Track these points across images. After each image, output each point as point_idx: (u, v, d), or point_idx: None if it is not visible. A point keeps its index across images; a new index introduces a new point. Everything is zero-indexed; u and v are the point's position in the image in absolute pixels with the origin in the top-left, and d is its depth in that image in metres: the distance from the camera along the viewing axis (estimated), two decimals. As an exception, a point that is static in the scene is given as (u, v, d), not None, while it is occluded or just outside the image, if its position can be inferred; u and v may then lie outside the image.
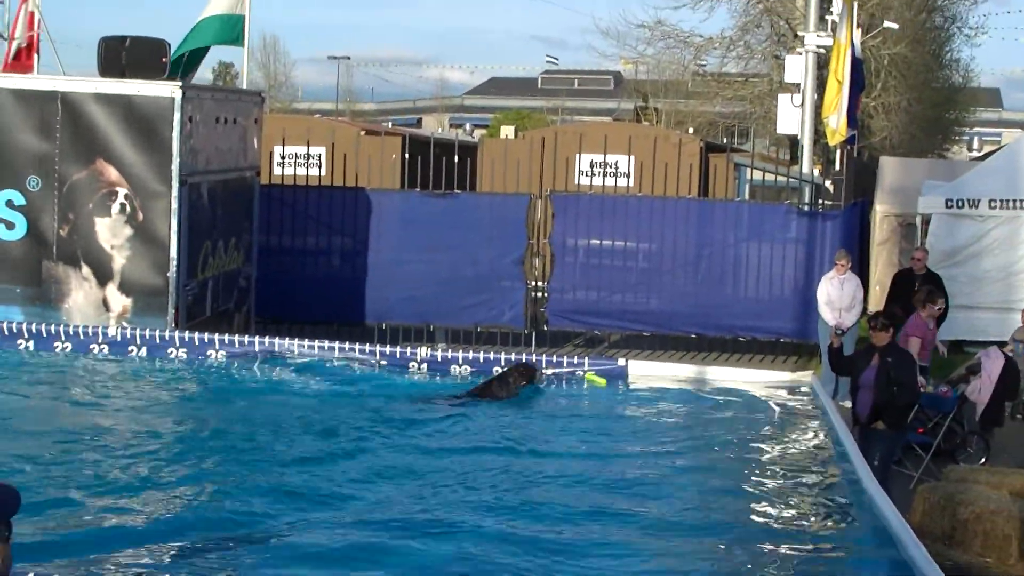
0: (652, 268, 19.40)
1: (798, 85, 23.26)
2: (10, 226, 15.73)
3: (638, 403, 13.88)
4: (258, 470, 10.68)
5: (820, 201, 20.43)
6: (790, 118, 23.35)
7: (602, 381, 14.32)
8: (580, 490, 10.34)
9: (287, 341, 15.15)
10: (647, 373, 14.96)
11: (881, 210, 23.03)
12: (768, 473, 11.21)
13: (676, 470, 11.22)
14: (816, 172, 23.42)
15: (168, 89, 15.53)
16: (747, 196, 24.16)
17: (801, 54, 23.41)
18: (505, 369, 14.24)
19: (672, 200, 19.62)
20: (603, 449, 11.86)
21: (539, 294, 19.80)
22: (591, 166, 23.20)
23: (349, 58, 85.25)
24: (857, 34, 21.79)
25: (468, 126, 61.76)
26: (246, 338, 15.30)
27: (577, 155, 22.25)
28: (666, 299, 19.32)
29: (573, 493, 10.23)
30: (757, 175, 23.33)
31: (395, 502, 9.82)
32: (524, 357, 15.05)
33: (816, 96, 22.96)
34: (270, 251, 19.12)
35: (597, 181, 22.07)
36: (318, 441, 11.72)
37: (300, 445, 11.55)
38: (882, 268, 22.38)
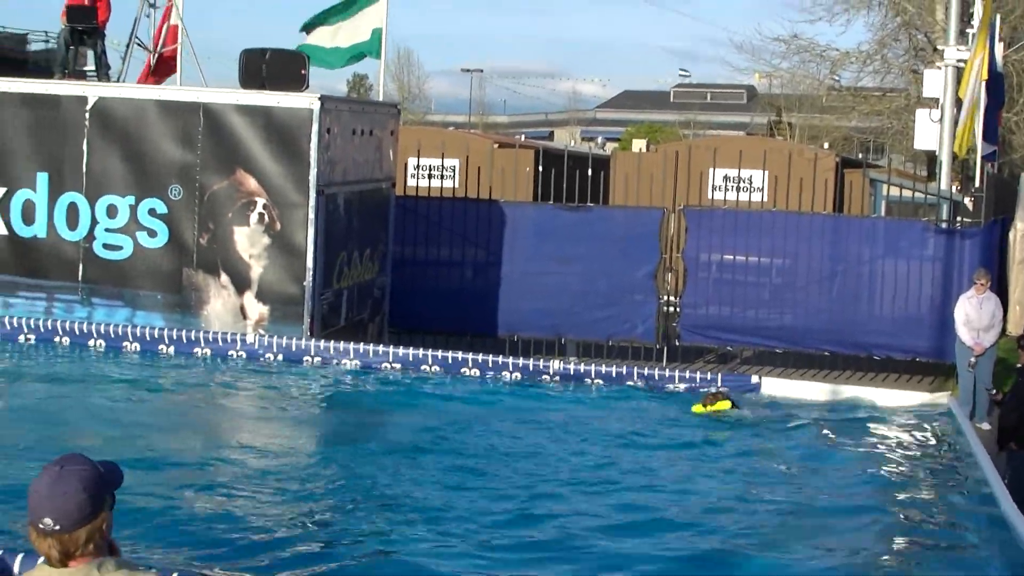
0: (786, 284, 19.21)
1: (937, 100, 22.90)
2: (152, 234, 16.06)
3: (771, 421, 13.73)
4: (393, 480, 10.76)
5: (959, 218, 20.08)
6: (928, 134, 22.99)
7: (726, 404, 13.75)
8: (720, 510, 10.27)
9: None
10: (780, 391, 14.82)
11: (1022, 228, 22.57)
12: (902, 496, 11.03)
13: (807, 490, 11.09)
14: (955, 188, 23.03)
15: (307, 101, 15.74)
16: (883, 212, 23.75)
17: (940, 68, 23.04)
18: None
19: (807, 216, 19.42)
20: (738, 468, 11.76)
21: (671, 308, 19.72)
22: (724, 180, 23.06)
23: (482, 71, 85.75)
24: (999, 48, 21.40)
25: (600, 139, 61.67)
26: (381, 348, 15.44)
27: (711, 169, 22.13)
28: (800, 315, 19.12)
29: (716, 513, 10.16)
30: (894, 191, 22.98)
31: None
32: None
33: (955, 111, 22.58)
34: (404, 262, 19.28)
35: (731, 196, 21.93)
36: (452, 451, 11.78)
37: (435, 455, 11.61)
38: (1022, 288, 21.93)
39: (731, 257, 19.33)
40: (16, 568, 6.71)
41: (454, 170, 23.66)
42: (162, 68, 19.27)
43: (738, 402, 13.88)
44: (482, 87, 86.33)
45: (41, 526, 4.42)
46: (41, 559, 4.53)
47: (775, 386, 14.98)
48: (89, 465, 4.54)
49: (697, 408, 13.57)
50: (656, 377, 14.81)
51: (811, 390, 15.03)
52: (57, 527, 4.41)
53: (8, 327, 15.68)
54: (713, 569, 8.82)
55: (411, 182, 21.88)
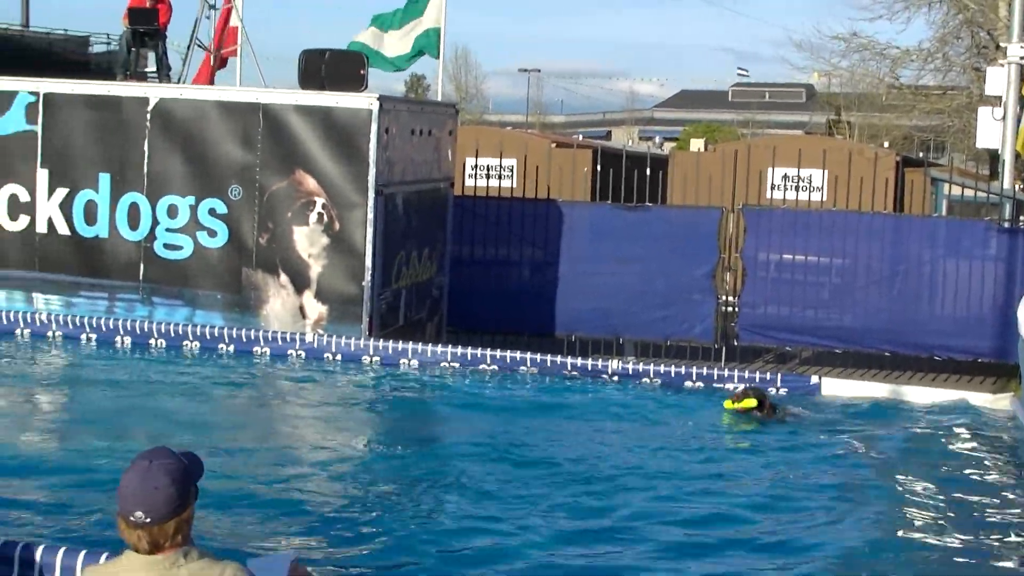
0: (845, 284, 19.06)
1: (999, 98, 22.67)
2: (212, 234, 16.16)
3: (830, 422, 13.64)
4: (451, 478, 10.77)
5: (1021, 217, 19.86)
6: (990, 132, 22.74)
7: (752, 402, 13.57)
8: (775, 512, 10.21)
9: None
10: (840, 391, 14.73)
11: (1086, 227, 22.28)
12: (964, 498, 10.92)
13: (867, 493, 11.00)
14: (1017, 187, 22.79)
15: (366, 101, 15.79)
16: (944, 212, 23.54)
17: (1003, 66, 22.78)
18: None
19: (867, 215, 19.26)
20: (794, 472, 11.69)
21: (730, 308, 19.62)
22: (784, 180, 22.92)
23: (539, 71, 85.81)
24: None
25: (658, 139, 61.55)
26: (439, 348, 15.48)
27: (770, 168, 21.99)
28: (859, 316, 18.97)
29: (769, 517, 10.11)
30: (955, 190, 22.77)
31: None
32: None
33: (1018, 109, 22.34)
34: (462, 261, 19.32)
35: (790, 195, 21.77)
36: (509, 450, 11.78)
37: (493, 454, 11.62)
38: (1086, 287, 21.64)
39: (790, 257, 19.20)
40: (37, 558, 6.80)
41: (512, 170, 23.67)
42: (211, 69, 19.41)
43: (778, 400, 13.83)
44: (539, 87, 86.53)
45: (132, 519, 4.64)
46: (127, 548, 4.73)
47: (835, 386, 14.89)
48: (176, 459, 4.77)
49: (728, 404, 13.57)
50: (715, 377, 14.75)
51: (871, 390, 14.92)
52: (148, 519, 4.63)
53: (70, 326, 15.85)
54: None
55: (469, 182, 21.89)
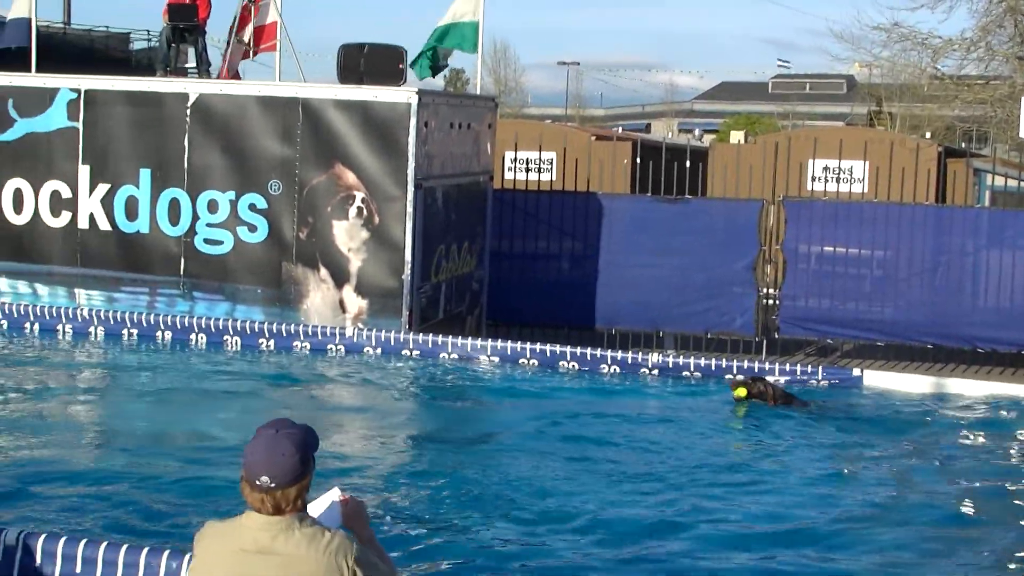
0: (887, 276, 18.96)
1: (1043, 88, 22.51)
2: (252, 229, 16.21)
3: (873, 415, 13.56)
4: (492, 473, 10.77)
5: (1066, 208, 19.70)
6: (1033, 122, 22.56)
7: (742, 392, 13.47)
8: (825, 507, 10.15)
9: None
10: (882, 384, 14.63)
11: None
12: (1010, 486, 10.85)
13: (912, 487, 10.93)
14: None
15: (405, 95, 15.80)
16: (987, 203, 23.40)
17: (1047, 56, 22.64)
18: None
19: (908, 206, 19.14)
20: (839, 467, 11.62)
21: (771, 301, 19.54)
22: (824, 171, 22.82)
23: (579, 64, 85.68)
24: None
25: (697, 131, 61.35)
26: (479, 341, 15.47)
27: (810, 160, 21.90)
28: (901, 308, 18.86)
29: (819, 511, 10.05)
30: (998, 181, 22.63)
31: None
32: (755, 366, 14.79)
33: (1062, 99, 22.14)
34: (501, 255, 19.31)
35: (831, 187, 21.67)
36: (550, 444, 11.77)
37: (533, 447, 11.61)
38: None
39: (831, 249, 19.11)
40: (15, 541, 6.86)
41: (551, 163, 23.64)
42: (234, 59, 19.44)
43: (815, 393, 13.77)
44: (578, 80, 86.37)
45: (258, 483, 5.03)
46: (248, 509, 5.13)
47: (877, 379, 14.80)
48: (299, 429, 5.14)
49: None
50: (756, 370, 14.68)
51: (914, 383, 14.82)
52: (273, 484, 5.02)
53: (112, 322, 15.93)
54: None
55: (508, 175, 21.89)
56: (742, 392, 13.36)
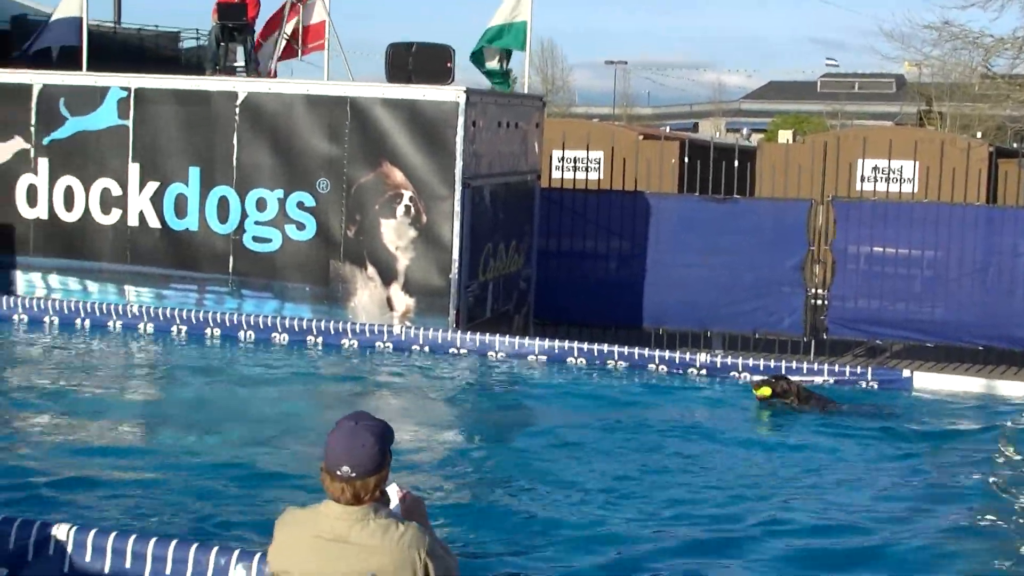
0: (937, 277, 18.82)
1: (1096, 87, 22.29)
2: (300, 227, 16.27)
3: (923, 417, 13.45)
4: (541, 471, 10.76)
5: (1119, 209, 19.48)
6: (1086, 122, 22.38)
7: (766, 391, 13.32)
8: (871, 509, 10.08)
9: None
10: (933, 385, 14.52)
11: None
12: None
13: (960, 490, 10.82)
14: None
15: (453, 94, 15.81)
16: (1039, 203, 23.18)
17: (1100, 55, 22.42)
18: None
19: (959, 207, 19.00)
20: (886, 469, 11.53)
21: (819, 301, 19.43)
22: (874, 171, 22.68)
23: (626, 63, 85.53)
24: None
25: (745, 130, 61.17)
26: (526, 340, 15.46)
27: (860, 160, 21.77)
28: (952, 309, 18.72)
29: (858, 515, 9.99)
30: (1051, 181, 22.39)
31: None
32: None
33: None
34: (549, 254, 19.30)
35: (880, 187, 21.53)
36: (598, 442, 11.74)
37: (582, 446, 11.58)
38: None
39: (881, 249, 18.99)
40: (66, 536, 6.89)
41: (599, 162, 23.60)
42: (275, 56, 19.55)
43: (861, 395, 13.68)
44: (626, 79, 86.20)
45: (339, 473, 5.27)
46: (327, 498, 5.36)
47: (927, 380, 14.67)
48: (378, 422, 5.36)
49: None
50: (804, 371, 14.60)
51: (964, 385, 14.69)
52: (353, 474, 5.25)
53: (161, 319, 16.00)
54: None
55: (556, 174, 21.87)
56: (766, 392, 13.23)
